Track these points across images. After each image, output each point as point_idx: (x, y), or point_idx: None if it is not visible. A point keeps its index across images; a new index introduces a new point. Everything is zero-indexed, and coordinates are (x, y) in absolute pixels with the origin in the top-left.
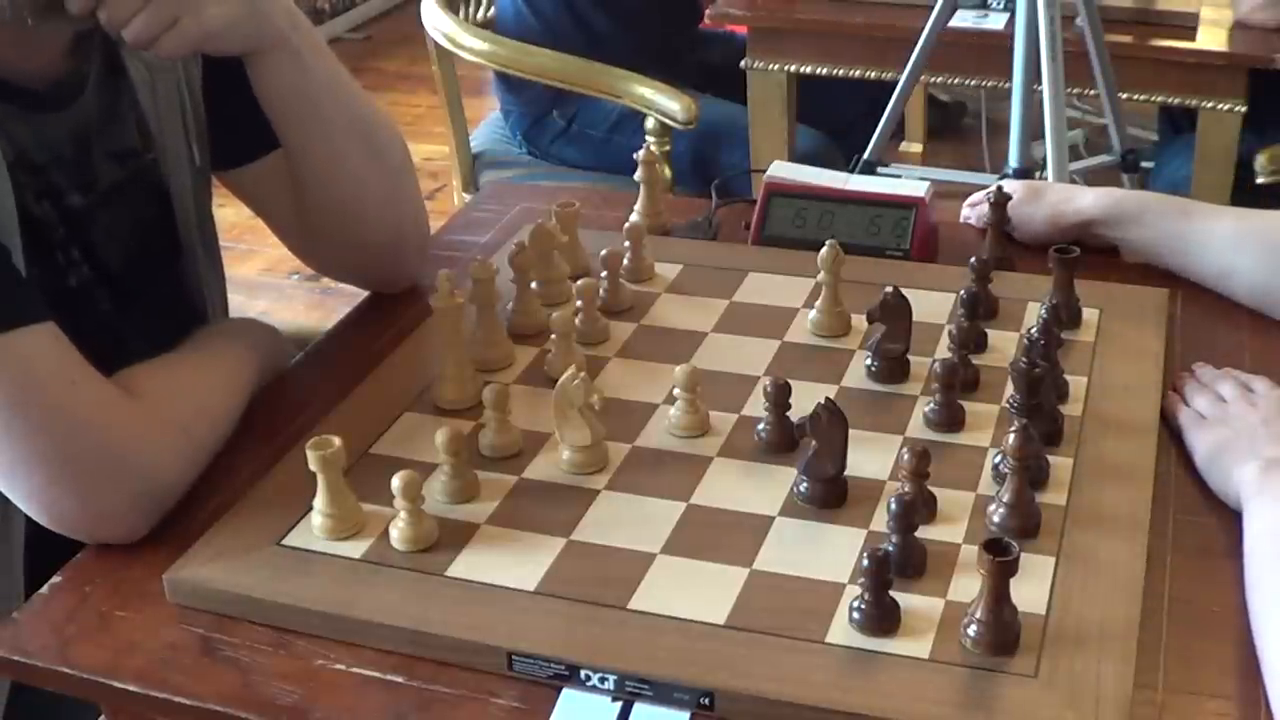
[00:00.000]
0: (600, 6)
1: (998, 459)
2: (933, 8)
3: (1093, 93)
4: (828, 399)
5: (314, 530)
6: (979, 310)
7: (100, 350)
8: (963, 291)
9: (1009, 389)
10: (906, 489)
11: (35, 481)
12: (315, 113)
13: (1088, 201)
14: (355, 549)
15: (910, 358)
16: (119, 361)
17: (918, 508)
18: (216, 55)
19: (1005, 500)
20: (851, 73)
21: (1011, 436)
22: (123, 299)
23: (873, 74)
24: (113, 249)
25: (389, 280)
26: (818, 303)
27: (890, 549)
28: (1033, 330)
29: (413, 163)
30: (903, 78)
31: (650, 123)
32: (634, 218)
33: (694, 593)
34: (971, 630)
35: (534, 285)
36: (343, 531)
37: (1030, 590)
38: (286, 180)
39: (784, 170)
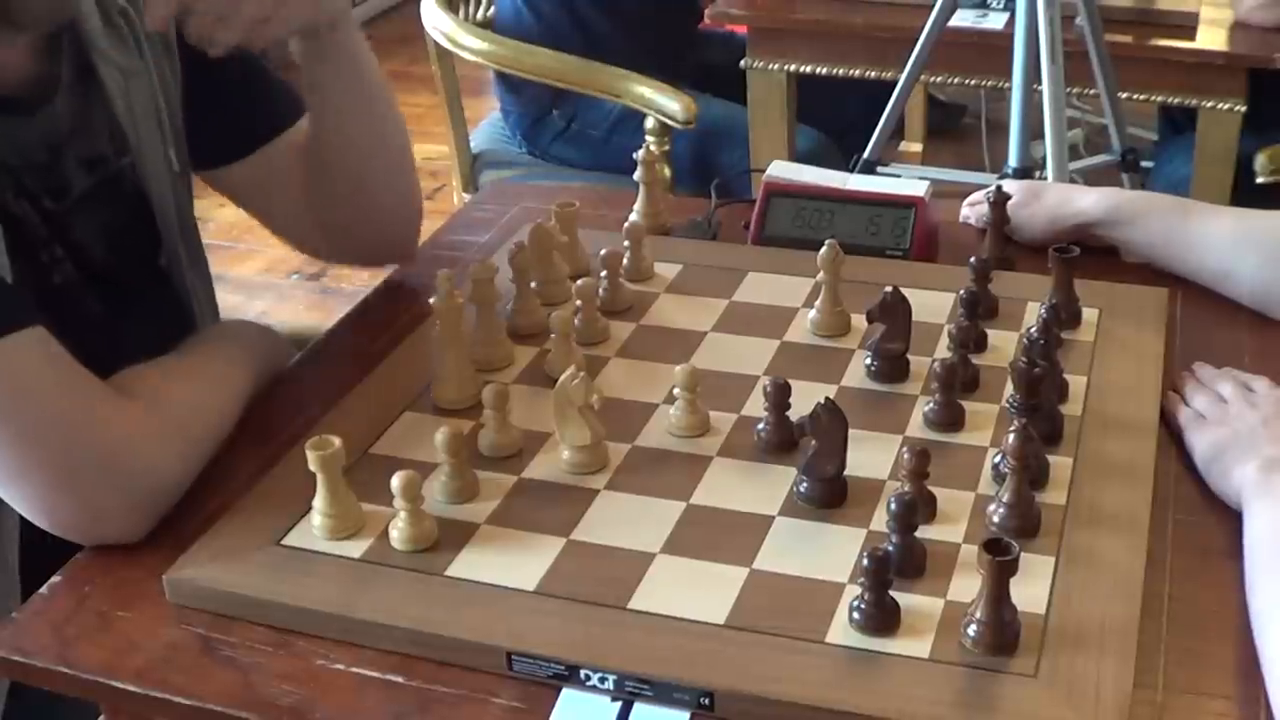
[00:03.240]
0: (600, 6)
1: (998, 459)
2: (933, 8)
3: (1093, 93)
4: (828, 399)
5: (314, 530)
6: (979, 310)
7: (89, 348)
8: (963, 291)
9: (1009, 389)
10: (906, 489)
11: (33, 486)
12: (362, 82)
13: (1088, 202)
14: (355, 549)
15: (910, 358)
16: (108, 359)
17: (918, 508)
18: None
19: (1005, 500)
20: (851, 73)
21: (1011, 436)
22: (109, 297)
23: (873, 74)
24: (94, 250)
25: (389, 248)
26: (818, 302)
27: (890, 549)
28: (1033, 330)
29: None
30: (903, 78)
31: (650, 123)
32: (634, 218)
33: (694, 593)
34: (971, 630)
35: (534, 285)
36: (343, 531)
37: (1030, 590)
38: (281, 171)
39: (784, 170)
